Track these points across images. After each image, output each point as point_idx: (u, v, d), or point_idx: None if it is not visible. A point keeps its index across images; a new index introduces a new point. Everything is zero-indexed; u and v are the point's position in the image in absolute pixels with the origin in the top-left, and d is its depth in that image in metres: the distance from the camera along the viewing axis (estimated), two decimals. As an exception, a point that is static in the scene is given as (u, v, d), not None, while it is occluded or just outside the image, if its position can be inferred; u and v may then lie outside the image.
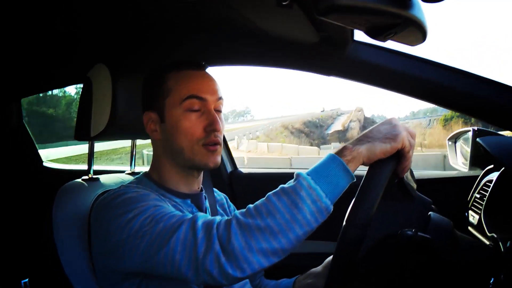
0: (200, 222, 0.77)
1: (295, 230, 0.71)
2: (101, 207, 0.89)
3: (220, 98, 0.96)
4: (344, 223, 0.73)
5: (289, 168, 1.82)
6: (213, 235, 0.74)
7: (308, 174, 0.74)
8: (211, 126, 0.92)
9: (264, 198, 0.75)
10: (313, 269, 1.07)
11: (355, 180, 0.75)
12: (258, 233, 0.71)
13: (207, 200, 1.06)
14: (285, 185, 0.75)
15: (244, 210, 0.76)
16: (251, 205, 0.76)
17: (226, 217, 0.78)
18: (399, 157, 0.76)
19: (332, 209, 0.73)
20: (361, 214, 0.71)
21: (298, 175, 0.74)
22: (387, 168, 0.74)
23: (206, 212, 1.03)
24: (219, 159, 0.96)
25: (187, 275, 0.76)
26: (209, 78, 0.97)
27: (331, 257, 1.00)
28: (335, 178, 0.73)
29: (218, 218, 0.78)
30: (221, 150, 0.97)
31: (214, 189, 1.19)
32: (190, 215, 0.81)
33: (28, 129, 2.09)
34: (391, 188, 0.78)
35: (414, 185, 0.87)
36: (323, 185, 0.73)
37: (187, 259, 0.75)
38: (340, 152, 0.75)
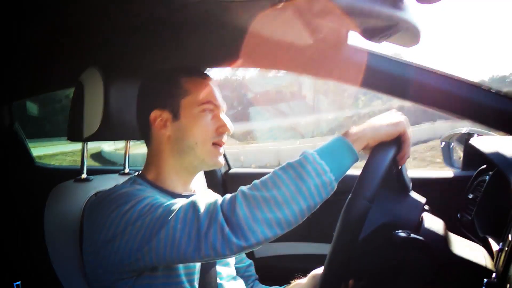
0: (200, 201, 0.79)
1: (299, 202, 0.73)
2: (95, 205, 0.89)
3: (224, 109, 1.04)
4: (350, 195, 0.75)
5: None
6: (216, 208, 0.76)
7: (313, 150, 0.77)
8: (224, 128, 0.99)
9: (270, 172, 0.78)
10: (299, 281, 1.09)
11: (359, 160, 0.78)
12: (263, 203, 0.73)
13: None
14: (290, 160, 0.78)
15: (249, 185, 0.78)
16: (257, 180, 0.78)
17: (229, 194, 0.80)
18: (400, 143, 0.80)
19: (335, 186, 0.76)
20: (367, 187, 0.73)
21: (304, 151, 0.77)
22: (390, 149, 0.77)
23: None
24: (223, 160, 1.02)
25: (187, 252, 0.76)
26: (218, 89, 1.04)
27: (316, 270, 1.02)
28: (340, 156, 0.77)
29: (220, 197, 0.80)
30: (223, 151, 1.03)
31: (209, 190, 1.19)
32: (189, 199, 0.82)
33: (21, 131, 2.08)
34: (389, 178, 0.79)
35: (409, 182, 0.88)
36: (328, 161, 0.75)
37: (187, 236, 0.76)
38: (345, 133, 0.79)
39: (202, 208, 0.77)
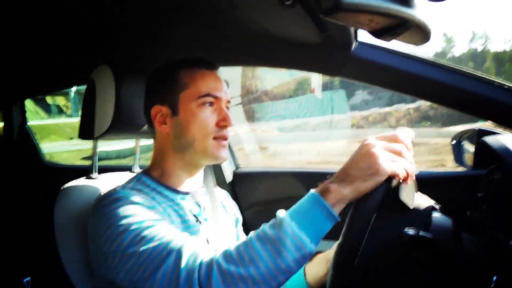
0: (184, 261, 0.75)
1: (278, 279, 0.71)
2: (95, 212, 0.88)
3: (229, 101, 1.01)
4: (336, 249, 0.72)
5: (291, 168, 1.83)
6: (194, 281, 0.72)
7: (292, 218, 0.72)
8: (225, 122, 0.96)
9: (247, 241, 0.74)
10: (323, 254, 1.02)
11: (339, 220, 0.73)
12: (240, 283, 0.70)
13: (207, 196, 1.07)
14: (268, 230, 0.73)
15: (225, 253, 0.74)
16: (232, 249, 0.74)
17: (209, 258, 0.75)
18: (391, 181, 0.71)
19: (315, 251, 0.73)
20: (353, 243, 0.70)
21: (282, 220, 0.72)
22: (376, 197, 0.71)
23: (204, 210, 1.03)
24: (227, 154, 1.00)
25: None
26: (221, 80, 1.01)
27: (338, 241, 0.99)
28: (320, 223, 0.72)
29: (201, 256, 0.76)
30: (227, 146, 1.00)
31: (218, 187, 1.19)
32: (179, 239, 0.79)
33: (30, 129, 2.11)
34: (387, 201, 0.74)
35: (413, 192, 0.85)
36: (308, 231, 0.71)
37: None
38: (324, 194, 0.72)
39: (183, 272, 0.74)
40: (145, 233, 0.80)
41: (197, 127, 0.95)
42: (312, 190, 0.74)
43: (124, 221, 0.81)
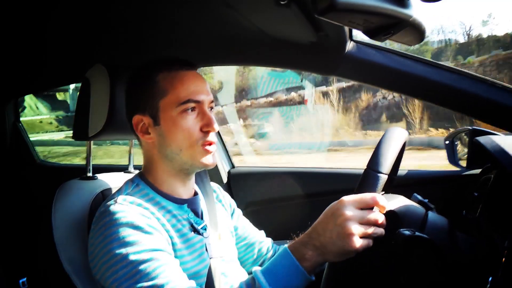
0: None
1: None
2: (95, 225, 0.87)
3: (213, 101, 0.97)
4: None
5: (288, 167, 1.83)
6: None
7: (269, 283, 0.76)
8: (209, 127, 0.93)
9: None
10: None
11: (314, 279, 0.78)
12: None
13: (203, 201, 1.05)
14: None
15: None
16: None
17: None
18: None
19: None
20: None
21: (260, 285, 0.76)
22: None
23: (201, 217, 1.02)
24: (215, 158, 0.97)
25: None
26: (202, 79, 0.97)
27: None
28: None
29: None
30: (215, 150, 0.98)
31: (216, 184, 1.19)
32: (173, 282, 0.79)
33: (23, 127, 2.10)
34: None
35: None
36: None
37: None
38: (301, 259, 0.76)
39: None
40: (141, 267, 0.79)
41: (181, 136, 0.91)
42: (289, 251, 0.77)
43: (122, 250, 0.80)
